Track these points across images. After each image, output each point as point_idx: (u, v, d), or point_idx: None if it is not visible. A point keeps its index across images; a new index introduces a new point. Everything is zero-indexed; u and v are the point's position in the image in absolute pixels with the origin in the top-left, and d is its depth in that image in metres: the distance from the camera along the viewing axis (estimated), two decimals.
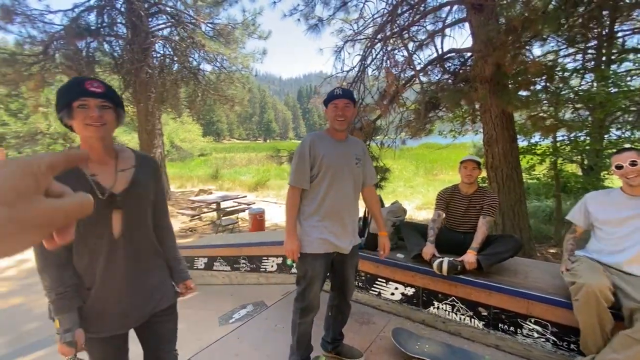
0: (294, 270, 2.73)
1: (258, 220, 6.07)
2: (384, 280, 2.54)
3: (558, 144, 5.18)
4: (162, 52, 8.42)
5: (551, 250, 4.74)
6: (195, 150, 24.21)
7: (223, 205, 7.16)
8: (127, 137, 22.42)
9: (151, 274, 1.25)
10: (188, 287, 1.38)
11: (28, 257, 5.48)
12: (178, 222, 7.68)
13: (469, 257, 2.09)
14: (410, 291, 2.40)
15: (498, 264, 2.14)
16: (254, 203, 7.95)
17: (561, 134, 5.09)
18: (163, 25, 8.27)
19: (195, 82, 8.56)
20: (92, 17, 7.47)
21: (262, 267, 3.41)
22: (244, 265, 3.53)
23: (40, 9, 7.12)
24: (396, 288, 2.47)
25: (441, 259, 2.13)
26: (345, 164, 1.76)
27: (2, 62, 7.03)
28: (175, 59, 8.28)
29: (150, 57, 7.80)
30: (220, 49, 8.08)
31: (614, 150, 2.37)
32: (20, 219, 0.23)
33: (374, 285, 2.60)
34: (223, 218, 6.74)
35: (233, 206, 7.42)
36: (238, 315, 2.84)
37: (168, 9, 8.07)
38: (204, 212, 7.69)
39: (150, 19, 7.80)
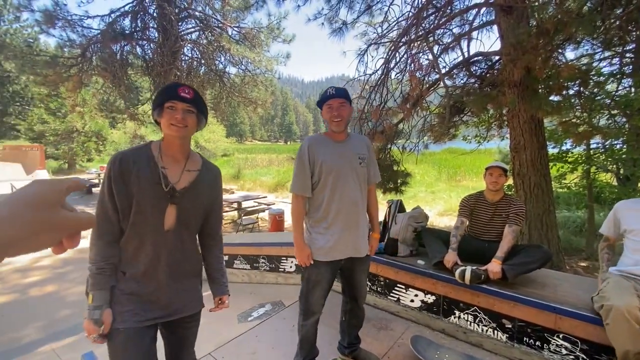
0: None
1: (277, 221, 6.14)
2: (403, 287, 2.50)
3: (592, 152, 4.93)
4: (190, 55, 8.72)
5: (582, 264, 4.50)
6: (218, 151, 24.82)
7: (244, 204, 7.30)
8: (156, 137, 23.32)
9: (188, 276, 1.29)
10: (223, 302, 1.43)
11: None
12: None
13: (494, 267, 2.03)
14: (430, 299, 2.36)
15: (524, 274, 2.07)
16: (274, 204, 8.06)
17: (595, 141, 4.84)
18: (192, 30, 8.56)
19: (220, 84, 8.80)
20: (126, 22, 7.84)
21: (280, 267, 3.45)
22: (264, 264, 3.59)
23: (80, 14, 7.57)
24: (416, 295, 2.43)
25: (464, 268, 2.08)
26: (347, 165, 1.69)
27: (44, 64, 7.52)
28: (203, 62, 8.54)
29: (179, 60, 8.10)
30: (246, 53, 8.27)
31: None
32: (46, 221, 0.32)
33: (393, 291, 2.57)
34: (244, 217, 6.87)
35: (253, 206, 7.55)
36: (257, 313, 2.89)
37: (197, 13, 8.35)
38: (226, 211, 7.86)
39: (180, 24, 8.10)
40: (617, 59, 5.02)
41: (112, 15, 7.73)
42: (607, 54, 4.99)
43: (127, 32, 7.68)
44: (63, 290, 4.28)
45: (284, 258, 3.42)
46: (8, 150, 16.48)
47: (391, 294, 2.59)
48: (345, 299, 1.97)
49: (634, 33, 4.37)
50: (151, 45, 8.22)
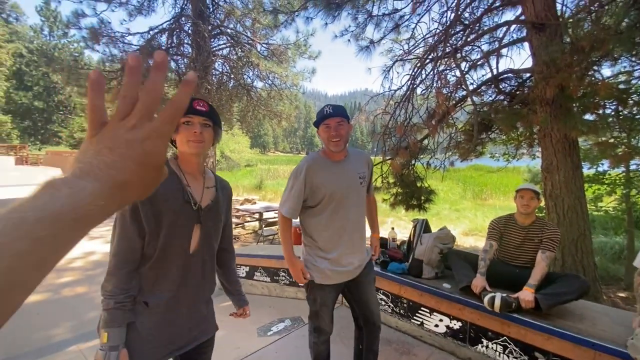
0: None
1: (298, 234, 6.14)
2: (427, 310, 2.42)
3: (631, 174, 4.64)
4: (220, 70, 9.11)
5: (621, 294, 4.19)
6: (242, 161, 25.47)
7: (265, 215, 7.39)
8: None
9: (207, 300, 1.27)
10: (245, 312, 1.45)
11: (94, 249, 6.09)
12: None
13: (526, 295, 1.92)
14: (456, 325, 2.27)
15: (560, 305, 1.95)
16: None
17: (635, 162, 4.57)
18: (223, 46, 8.98)
19: (248, 97, 9.10)
20: (163, 38, 8.35)
21: None
22: (284, 278, 3.59)
23: (122, 31, 8.14)
24: (441, 320, 2.35)
25: (493, 294, 1.99)
26: (349, 186, 1.64)
27: (87, 76, 8.10)
28: (232, 76, 8.90)
29: (210, 74, 8.48)
30: (273, 68, 8.54)
31: None
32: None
33: (417, 314, 2.50)
34: (265, 228, 6.95)
35: (274, 217, 7.62)
36: (276, 328, 2.88)
37: (229, 30, 8.76)
38: (247, 221, 7.98)
39: (212, 40, 8.52)
40: None
41: (151, 32, 8.24)
42: None
43: (163, 47, 8.15)
44: (92, 292, 4.46)
45: None
46: (50, 155, 17.66)
47: (415, 317, 2.51)
48: (357, 324, 1.87)
49: None
50: (185, 60, 8.67)
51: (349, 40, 5.56)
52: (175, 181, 1.11)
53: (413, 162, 4.93)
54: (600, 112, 3.69)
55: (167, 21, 8.42)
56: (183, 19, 8.59)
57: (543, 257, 2.04)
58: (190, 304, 1.17)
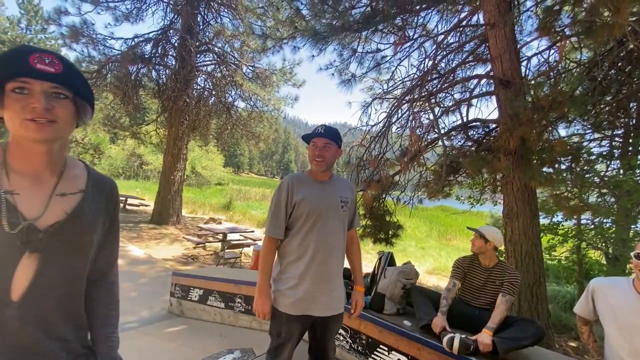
0: None
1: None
2: (386, 349, 2.33)
3: (582, 227, 4.97)
4: (202, 85, 9.08)
5: (571, 344, 4.30)
6: (213, 179, 24.80)
7: (229, 237, 7.08)
8: (152, 158, 23.33)
9: None
10: None
11: None
12: (182, 248, 7.59)
13: (484, 338, 1.90)
14: None
15: (516, 350, 1.94)
16: (260, 239, 7.83)
17: (585, 217, 4.91)
18: (209, 62, 9.02)
19: (227, 115, 9.06)
20: (147, 47, 8.26)
21: None
22: (239, 304, 3.36)
23: (105, 34, 7.98)
24: (399, 359, 2.25)
25: (452, 335, 1.95)
26: (329, 207, 1.56)
27: None
28: (214, 93, 8.87)
29: (191, 88, 8.41)
30: (256, 90, 8.65)
31: None
32: None
33: (375, 352, 2.39)
34: (227, 250, 6.62)
35: (239, 239, 7.32)
36: None
37: (216, 49, 8.86)
38: (209, 242, 7.60)
39: (198, 55, 8.54)
40: (606, 141, 5.29)
41: (136, 39, 8.15)
42: (596, 135, 5.27)
43: (146, 56, 8.04)
44: None
45: None
46: None
47: (372, 356, 2.40)
48: (310, 358, 1.75)
49: (623, 120, 4.65)
50: (167, 71, 8.58)
51: (332, 74, 5.78)
52: None
53: (384, 195, 5.01)
54: (556, 166, 3.99)
55: (155, 31, 8.39)
56: (171, 31, 8.60)
57: (503, 300, 2.06)
58: None
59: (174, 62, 8.55)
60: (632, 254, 1.44)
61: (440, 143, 4.40)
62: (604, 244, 4.99)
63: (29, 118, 0.67)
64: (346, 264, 1.76)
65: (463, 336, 1.95)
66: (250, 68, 8.93)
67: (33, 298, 0.70)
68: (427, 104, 4.67)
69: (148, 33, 8.22)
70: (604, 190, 4.67)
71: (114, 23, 8.21)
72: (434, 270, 8.24)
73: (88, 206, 0.79)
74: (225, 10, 8.77)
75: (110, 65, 7.90)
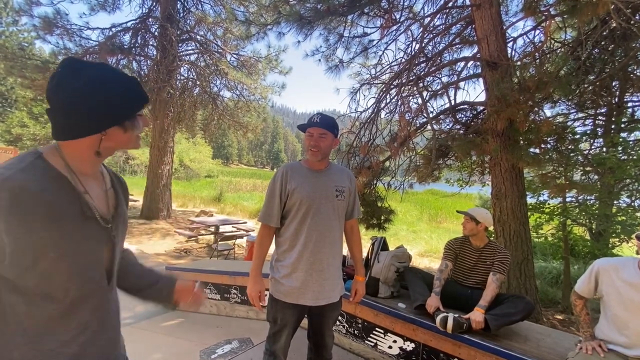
0: None
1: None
2: (382, 331, 2.38)
3: (567, 205, 5.11)
4: (186, 75, 8.83)
5: (558, 317, 4.48)
6: (202, 171, 24.49)
7: (222, 229, 7.04)
8: (139, 152, 22.83)
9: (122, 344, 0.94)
10: (193, 286, 1.08)
11: None
12: (174, 242, 7.53)
13: (477, 316, 1.96)
14: (409, 346, 2.24)
15: (507, 326, 2.00)
16: (253, 230, 7.82)
17: (570, 195, 5.04)
18: (191, 51, 8.74)
19: (213, 106, 8.86)
20: (126, 37, 7.95)
21: None
22: (235, 296, 3.37)
23: (80, 24, 7.62)
24: (395, 341, 2.31)
25: (446, 315, 2.00)
26: (322, 196, 1.56)
27: (34, 68, 7.40)
28: (198, 83, 8.64)
29: (175, 79, 8.17)
30: (242, 79, 8.45)
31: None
32: None
33: (372, 335, 2.44)
34: (220, 242, 6.60)
35: (232, 231, 7.29)
36: (221, 350, 2.66)
37: (198, 37, 8.58)
38: (202, 234, 7.56)
39: (180, 45, 8.27)
40: (590, 120, 5.40)
41: (113, 29, 7.82)
42: (580, 115, 5.37)
43: (125, 46, 7.75)
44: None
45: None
46: None
47: (369, 338, 2.45)
48: (310, 346, 1.78)
49: (606, 98, 4.74)
50: (148, 62, 8.29)
51: (319, 60, 5.66)
52: (64, 189, 0.72)
53: (375, 182, 5.03)
54: (543, 147, 4.06)
55: (133, 20, 8.06)
56: (150, 20, 8.28)
57: (494, 279, 2.11)
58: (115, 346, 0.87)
59: (154, 52, 8.25)
60: (633, 235, 1.47)
61: (429, 127, 4.41)
62: (588, 220, 5.16)
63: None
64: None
65: (456, 315, 2.00)
66: (235, 56, 8.71)
67: (113, 281, 0.86)
68: (415, 88, 4.65)
69: (126, 22, 7.89)
70: (588, 168, 4.79)
71: (89, 12, 7.83)
72: (426, 253, 8.40)
73: (120, 197, 0.91)
74: None
75: (88, 57, 7.58)
